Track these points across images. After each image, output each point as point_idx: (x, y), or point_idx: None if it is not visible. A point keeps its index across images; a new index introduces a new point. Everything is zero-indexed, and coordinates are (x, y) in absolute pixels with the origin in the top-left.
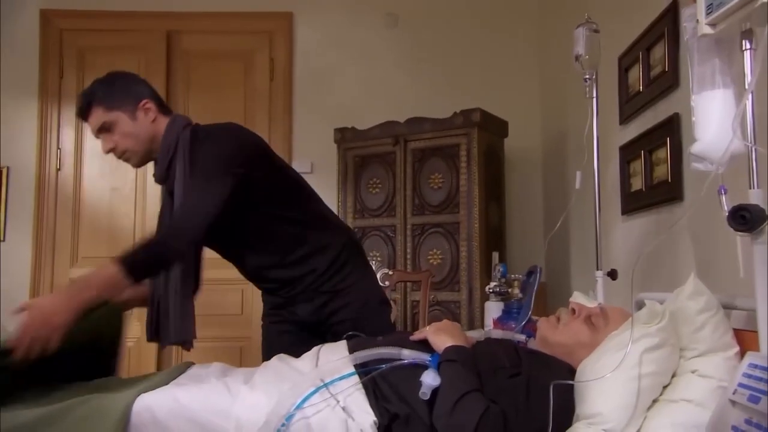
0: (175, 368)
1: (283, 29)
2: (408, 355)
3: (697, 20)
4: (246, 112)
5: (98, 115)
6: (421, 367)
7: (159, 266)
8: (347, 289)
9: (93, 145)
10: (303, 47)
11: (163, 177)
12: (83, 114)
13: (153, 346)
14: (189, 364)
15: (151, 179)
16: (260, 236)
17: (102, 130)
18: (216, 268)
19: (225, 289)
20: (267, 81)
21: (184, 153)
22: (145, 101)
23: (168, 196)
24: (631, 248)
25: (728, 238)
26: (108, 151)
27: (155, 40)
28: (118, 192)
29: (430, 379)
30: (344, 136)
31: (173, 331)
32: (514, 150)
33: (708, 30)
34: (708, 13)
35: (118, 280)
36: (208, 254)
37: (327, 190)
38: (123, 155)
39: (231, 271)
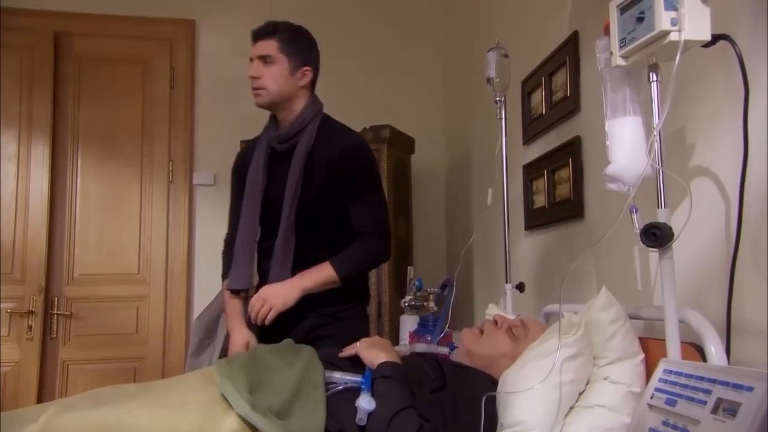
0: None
1: (185, 36)
2: (339, 379)
3: (611, 52)
4: (144, 119)
5: (269, 46)
6: (352, 388)
7: (370, 269)
8: (344, 320)
9: None
10: (206, 56)
11: (284, 140)
12: (257, 36)
13: (34, 371)
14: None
15: (35, 188)
16: (337, 236)
17: (262, 59)
18: (109, 284)
19: (118, 306)
20: (167, 88)
21: (311, 134)
22: (308, 67)
23: (266, 159)
24: (534, 262)
25: (626, 253)
26: (252, 76)
27: (41, 40)
28: None
29: (365, 404)
30: None
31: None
32: (419, 166)
33: (621, 62)
34: (621, 47)
35: (331, 281)
36: (98, 270)
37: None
38: (259, 89)
39: (125, 288)
